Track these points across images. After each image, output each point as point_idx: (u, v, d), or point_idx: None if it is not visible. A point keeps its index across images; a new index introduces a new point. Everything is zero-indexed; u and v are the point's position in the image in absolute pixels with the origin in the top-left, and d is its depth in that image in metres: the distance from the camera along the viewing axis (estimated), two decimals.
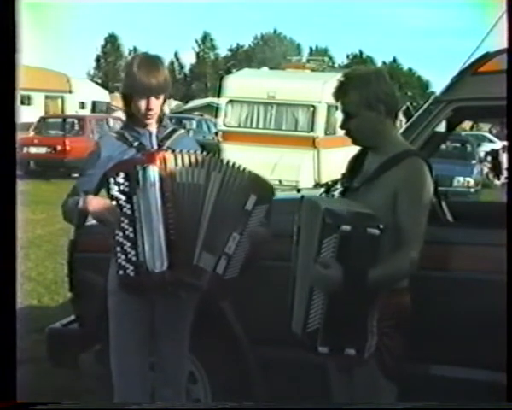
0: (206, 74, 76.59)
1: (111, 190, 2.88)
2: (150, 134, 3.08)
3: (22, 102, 23.10)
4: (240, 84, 15.36)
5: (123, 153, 3.02)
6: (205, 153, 2.97)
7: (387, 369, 2.68)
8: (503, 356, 2.59)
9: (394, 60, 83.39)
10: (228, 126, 15.23)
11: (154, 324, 3.09)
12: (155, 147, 3.05)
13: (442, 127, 3.44)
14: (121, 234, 2.88)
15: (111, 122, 20.50)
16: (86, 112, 29.35)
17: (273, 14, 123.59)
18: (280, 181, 12.59)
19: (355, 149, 2.93)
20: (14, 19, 2.37)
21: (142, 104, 2.98)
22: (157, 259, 2.87)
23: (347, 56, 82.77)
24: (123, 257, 2.89)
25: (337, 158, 11.08)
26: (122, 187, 2.88)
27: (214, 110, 22.11)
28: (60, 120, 22.31)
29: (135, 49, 66.16)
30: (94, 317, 3.58)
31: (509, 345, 2.57)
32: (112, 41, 79.36)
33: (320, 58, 23.68)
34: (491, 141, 27.42)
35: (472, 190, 15.26)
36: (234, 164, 2.94)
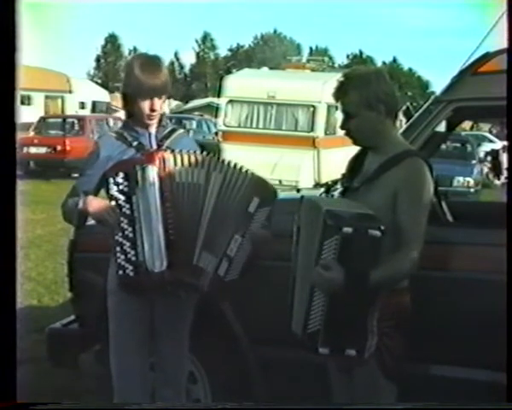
0: (206, 74, 76.60)
1: (110, 189, 2.88)
2: (149, 134, 3.08)
3: (22, 102, 23.10)
4: (240, 84, 15.36)
5: (122, 153, 3.02)
6: (205, 153, 2.97)
7: (387, 369, 2.68)
8: (503, 356, 2.59)
9: (394, 60, 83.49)
10: (228, 126, 15.23)
11: (153, 324, 3.09)
12: (155, 147, 3.06)
13: (442, 127, 3.44)
14: (120, 234, 2.88)
15: (111, 122, 20.50)
16: (86, 112, 29.35)
17: (273, 14, 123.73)
18: (280, 181, 12.58)
19: (355, 149, 2.93)
20: (14, 19, 2.37)
21: (146, 105, 2.98)
22: (156, 259, 2.87)
23: (347, 56, 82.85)
24: (122, 257, 2.89)
25: (337, 158, 11.08)
26: (121, 187, 2.88)
27: (214, 110, 22.12)
28: (60, 120, 22.31)
29: (135, 49, 66.21)
30: (94, 317, 3.58)
31: (509, 345, 2.57)
32: (112, 41, 79.38)
33: (320, 58, 23.70)
34: (491, 141, 27.41)
35: (472, 190, 15.26)
36: (235, 165, 2.93)
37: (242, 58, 73.58)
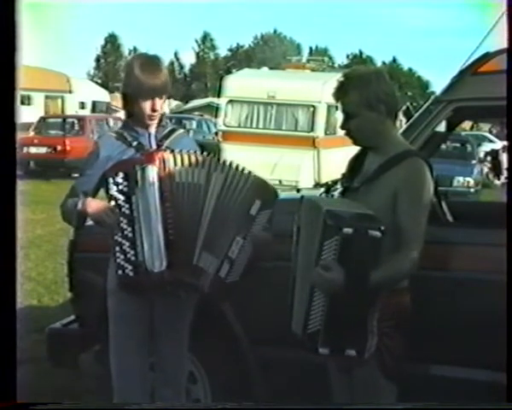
0: (206, 74, 76.59)
1: (110, 189, 2.88)
2: (149, 134, 3.08)
3: (22, 102, 23.10)
4: (240, 84, 15.36)
5: (122, 153, 3.02)
6: (205, 153, 2.97)
7: (387, 369, 2.68)
8: (503, 356, 2.59)
9: (394, 60, 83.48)
10: (228, 126, 15.22)
11: (153, 323, 3.09)
12: (154, 147, 3.06)
13: (442, 127, 3.44)
14: (120, 234, 2.88)
15: (111, 122, 20.50)
16: (86, 112, 29.35)
17: (273, 14, 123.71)
18: (280, 181, 12.58)
19: (355, 149, 2.93)
20: (14, 19, 2.37)
21: (147, 105, 2.98)
22: (156, 258, 2.87)
23: (347, 56, 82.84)
24: (122, 257, 2.89)
25: (337, 158, 11.07)
26: (121, 187, 2.88)
27: (214, 110, 22.10)
28: (60, 120, 22.31)
29: (135, 49, 66.18)
30: (94, 317, 3.58)
31: (509, 345, 2.57)
32: (112, 41, 79.36)
33: (320, 58, 23.70)
34: (491, 141, 27.41)
35: (472, 190, 15.26)
36: (237, 166, 2.93)
37: (242, 58, 73.57)
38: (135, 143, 3.04)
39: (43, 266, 8.11)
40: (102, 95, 33.95)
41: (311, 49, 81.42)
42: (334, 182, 3.08)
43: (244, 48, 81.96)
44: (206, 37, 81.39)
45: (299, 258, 2.78)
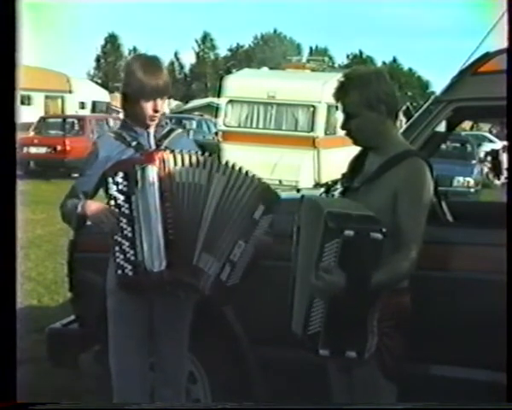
0: (206, 74, 76.58)
1: (109, 189, 2.88)
2: (148, 134, 3.08)
3: (22, 102, 23.09)
4: (240, 84, 15.36)
5: (121, 153, 3.02)
6: (206, 153, 2.96)
7: (388, 369, 2.67)
8: (503, 356, 2.59)
9: (394, 60, 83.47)
10: (228, 126, 15.22)
11: (153, 323, 3.09)
12: (153, 147, 3.05)
13: (442, 127, 3.44)
14: (120, 234, 2.88)
15: (111, 122, 20.50)
16: (86, 112, 29.35)
17: (273, 14, 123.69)
18: (280, 181, 12.59)
19: (355, 149, 2.92)
20: (14, 19, 2.37)
21: (149, 106, 2.98)
22: (155, 258, 2.87)
23: (347, 56, 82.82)
24: (121, 257, 2.89)
25: (337, 158, 11.08)
26: (121, 187, 2.88)
27: (214, 110, 22.09)
28: (60, 120, 22.32)
29: (135, 49, 66.26)
30: (94, 317, 3.58)
31: (509, 345, 2.57)
32: (112, 41, 79.34)
33: (320, 58, 23.70)
34: (491, 141, 27.41)
35: (472, 190, 15.26)
36: (240, 168, 2.92)
37: (242, 58, 73.55)
38: (134, 143, 3.04)
39: (43, 266, 8.11)
40: (102, 95, 33.95)
41: (311, 49, 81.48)
42: (334, 182, 3.08)
43: (244, 48, 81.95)
44: (206, 37, 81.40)
45: (299, 258, 2.78)
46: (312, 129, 14.65)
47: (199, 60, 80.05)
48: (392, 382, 2.73)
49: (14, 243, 2.39)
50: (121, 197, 2.89)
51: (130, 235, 2.88)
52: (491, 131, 31.74)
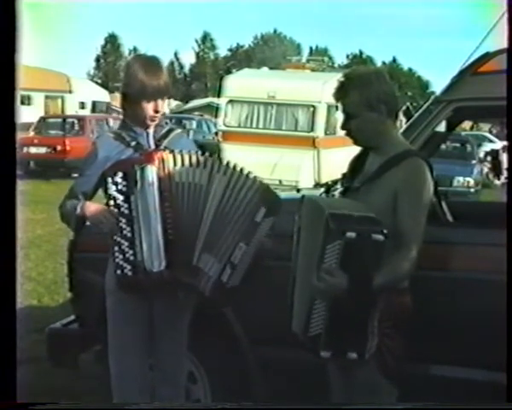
0: (206, 74, 76.56)
1: (109, 189, 2.88)
2: (147, 134, 3.07)
3: (22, 102, 23.09)
4: (240, 84, 15.36)
5: (120, 153, 3.02)
6: (207, 154, 2.96)
7: (388, 369, 2.68)
8: (502, 356, 2.59)
9: (394, 60, 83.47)
10: (228, 126, 15.22)
11: (152, 323, 3.09)
12: (153, 147, 3.05)
13: (442, 127, 3.44)
14: (119, 234, 2.88)
15: (111, 122, 20.50)
16: (86, 112, 29.35)
17: (273, 14, 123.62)
18: (280, 181, 12.59)
19: (355, 149, 2.92)
20: (14, 19, 2.37)
21: (150, 107, 2.98)
22: (155, 258, 2.87)
23: (347, 56, 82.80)
24: (120, 256, 2.89)
25: (337, 158, 11.09)
26: (120, 187, 2.88)
27: (214, 110, 22.08)
28: (60, 120, 22.32)
29: (135, 49, 66.20)
30: (94, 317, 3.57)
31: (509, 345, 2.57)
32: (112, 41, 79.30)
33: (320, 58, 23.70)
34: (491, 141, 27.40)
35: (472, 190, 15.26)
36: (241, 170, 2.91)
37: (242, 58, 73.52)
38: (133, 143, 3.04)
39: (43, 266, 8.11)
40: (102, 95, 33.95)
41: (311, 49, 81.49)
42: (335, 182, 3.08)
43: (244, 48, 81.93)
44: (206, 37, 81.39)
45: (300, 258, 2.78)
46: (312, 129, 14.64)
47: (199, 60, 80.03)
48: (393, 382, 2.73)
49: (14, 243, 2.39)
50: (120, 197, 2.89)
51: (129, 235, 2.88)
52: (491, 131, 31.73)
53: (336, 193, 2.96)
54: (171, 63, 76.16)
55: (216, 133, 16.90)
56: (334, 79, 3.40)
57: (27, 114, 21.09)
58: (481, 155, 20.72)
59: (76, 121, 21.29)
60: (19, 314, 2.47)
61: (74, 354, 3.94)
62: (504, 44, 2.88)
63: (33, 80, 25.58)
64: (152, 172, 2.88)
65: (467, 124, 28.21)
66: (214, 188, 2.90)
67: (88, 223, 3.02)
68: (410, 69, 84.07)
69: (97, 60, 79.53)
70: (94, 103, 31.70)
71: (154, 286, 2.92)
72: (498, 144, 24.73)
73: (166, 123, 3.20)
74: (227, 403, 3.37)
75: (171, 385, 3.16)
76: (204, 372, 3.62)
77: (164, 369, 3.15)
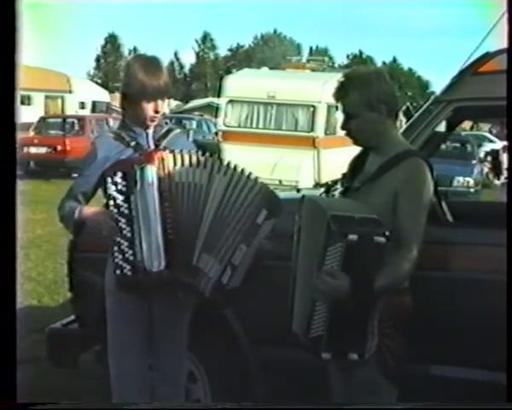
0: (206, 74, 76.55)
1: (108, 189, 2.88)
2: (147, 134, 3.07)
3: (22, 102, 23.07)
4: (240, 84, 15.35)
5: (120, 153, 3.02)
6: (207, 154, 2.96)
7: (388, 369, 2.67)
8: (503, 356, 2.59)
9: (394, 60, 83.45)
10: (228, 126, 15.22)
11: (152, 323, 3.09)
12: (152, 147, 3.05)
13: (442, 127, 3.44)
14: (118, 233, 2.88)
15: (111, 122, 20.49)
16: (86, 112, 29.35)
17: (273, 14, 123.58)
18: (280, 181, 12.60)
19: (355, 150, 2.92)
20: (14, 19, 2.37)
21: (150, 107, 2.97)
22: (155, 258, 2.87)
23: (347, 56, 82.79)
24: (120, 256, 2.89)
25: (337, 158, 11.08)
26: (119, 186, 2.88)
27: (214, 110, 22.08)
28: (60, 120, 22.32)
29: (135, 49, 66.23)
30: (94, 317, 3.57)
31: (509, 345, 2.57)
32: (112, 41, 79.29)
33: (320, 58, 23.69)
34: (491, 141, 27.40)
35: (472, 190, 15.27)
36: (242, 170, 2.91)
37: (242, 58, 73.54)
38: (133, 143, 3.04)
39: (43, 266, 8.11)
40: (102, 95, 33.95)
41: (311, 49, 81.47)
42: (335, 182, 3.08)
43: (244, 48, 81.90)
44: (206, 37, 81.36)
45: (300, 259, 2.78)
46: (312, 129, 14.64)
47: (199, 60, 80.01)
48: (393, 382, 2.73)
49: (14, 243, 2.39)
50: (120, 197, 2.88)
51: (128, 235, 2.88)
52: (491, 131, 31.72)
53: (336, 193, 2.96)
54: (171, 63, 76.15)
55: (216, 133, 16.89)
56: (334, 79, 3.40)
57: (27, 114, 21.08)
58: (481, 155, 20.72)
59: (76, 121, 21.29)
60: (19, 314, 2.47)
61: (74, 354, 3.94)
62: (504, 44, 2.88)
63: (33, 80, 25.58)
64: (152, 172, 2.88)
65: (467, 124, 28.21)
66: (214, 188, 2.89)
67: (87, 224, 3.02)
68: (410, 69, 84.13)
69: (97, 60, 79.51)
70: (94, 103, 31.70)
71: (154, 286, 2.92)
72: (498, 144, 24.73)
73: (166, 123, 3.19)
74: (227, 403, 3.37)
75: (170, 385, 3.16)
76: (204, 372, 3.62)
77: (163, 369, 3.15)
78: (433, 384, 3.26)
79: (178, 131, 3.28)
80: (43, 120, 21.78)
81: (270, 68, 20.25)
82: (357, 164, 2.88)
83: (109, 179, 2.88)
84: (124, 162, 2.95)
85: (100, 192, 3.00)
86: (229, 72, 29.36)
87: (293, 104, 14.70)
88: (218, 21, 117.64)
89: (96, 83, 46.19)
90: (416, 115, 3.48)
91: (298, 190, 4.75)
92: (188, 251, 2.88)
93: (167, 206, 2.88)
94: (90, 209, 2.96)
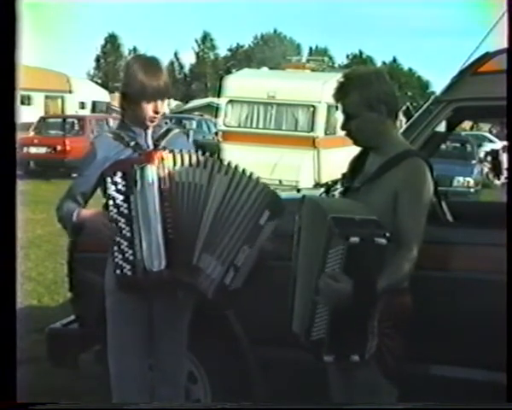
0: (206, 74, 76.53)
1: (108, 189, 2.88)
2: (146, 134, 3.07)
3: (22, 102, 23.08)
4: (240, 84, 15.36)
5: (119, 153, 3.02)
6: (207, 154, 2.96)
7: (388, 369, 2.67)
8: (503, 356, 2.59)
9: (394, 60, 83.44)
10: (228, 126, 15.22)
11: (152, 323, 3.09)
12: (151, 147, 3.05)
13: (442, 127, 3.44)
14: (118, 233, 2.88)
15: (111, 122, 20.49)
16: (86, 112, 29.35)
17: (273, 14, 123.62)
18: (280, 181, 12.59)
19: (355, 150, 2.92)
20: (14, 19, 2.37)
21: (150, 108, 2.97)
22: (155, 258, 2.86)
23: (347, 56, 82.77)
24: (120, 256, 2.89)
25: (337, 158, 11.08)
26: (119, 186, 2.88)
27: (214, 110, 22.09)
28: (60, 120, 22.32)
29: (135, 49, 66.24)
30: (94, 317, 3.57)
31: (509, 345, 2.57)
32: (112, 41, 79.26)
33: (320, 58, 23.71)
34: (491, 141, 27.41)
35: (472, 190, 15.27)
36: (243, 171, 2.90)
37: (242, 58, 73.51)
38: (132, 143, 3.04)
39: (43, 266, 8.11)
40: (102, 95, 33.94)
41: (311, 49, 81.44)
42: (335, 182, 3.08)
43: (244, 48, 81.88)
44: (206, 37, 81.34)
45: (300, 259, 2.78)
46: (312, 129, 14.64)
47: (199, 60, 79.98)
48: (393, 382, 2.73)
49: (14, 243, 2.39)
50: (120, 197, 2.88)
51: (128, 235, 2.88)
52: (491, 131, 31.73)
53: (336, 193, 2.96)
54: (171, 63, 76.13)
55: (216, 133, 16.90)
56: (334, 79, 3.39)
57: (27, 114, 21.08)
58: (481, 155, 20.71)
59: (76, 121, 21.29)
60: (19, 314, 2.47)
61: (74, 354, 3.94)
62: (504, 44, 2.88)
63: (33, 80, 25.57)
64: (152, 171, 2.88)
65: (467, 124, 28.21)
66: (215, 188, 2.89)
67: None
68: (410, 69, 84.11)
69: (97, 60, 79.50)
70: (94, 103, 31.69)
71: (154, 286, 2.91)
72: (498, 144, 24.73)
73: (166, 123, 3.19)
74: (227, 403, 3.37)
75: (170, 385, 3.16)
76: (204, 372, 3.62)
77: (163, 369, 3.15)
78: (433, 384, 3.26)
79: (177, 131, 3.28)
80: (43, 120, 21.78)
81: (270, 68, 20.27)
82: (357, 164, 2.88)
83: (109, 179, 2.88)
84: (123, 162, 2.95)
85: (98, 192, 3.00)
86: (229, 72, 29.35)
87: (293, 104, 14.71)
88: (218, 21, 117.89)
89: (96, 83, 46.20)
90: (416, 115, 3.48)
91: (298, 190, 4.75)
92: (188, 251, 2.88)
93: (167, 205, 2.87)
94: (88, 211, 2.96)
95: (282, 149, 14.08)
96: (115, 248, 2.89)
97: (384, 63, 76.88)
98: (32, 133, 19.87)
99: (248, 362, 3.57)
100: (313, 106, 14.58)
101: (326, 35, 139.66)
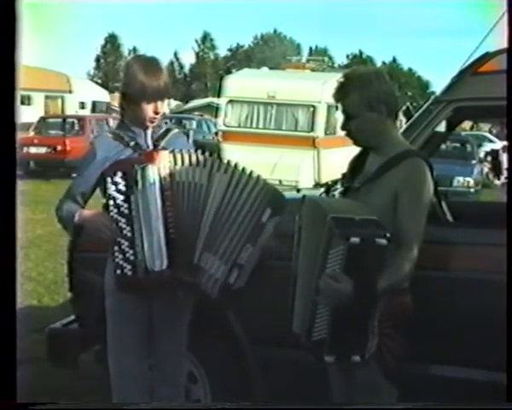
0: (206, 74, 76.54)
1: (108, 189, 2.88)
2: (146, 134, 3.07)
3: (22, 102, 23.09)
4: (240, 84, 15.36)
5: (119, 153, 3.02)
6: (207, 153, 2.96)
7: (388, 369, 2.67)
8: (503, 356, 2.59)
9: (394, 60, 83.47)
10: (228, 126, 15.22)
11: (152, 323, 3.09)
12: (151, 147, 3.05)
13: (442, 127, 3.44)
14: (119, 233, 2.88)
15: (111, 122, 20.49)
16: (86, 112, 29.36)
17: (273, 14, 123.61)
18: (280, 181, 12.57)
19: (355, 150, 2.92)
20: (14, 19, 2.37)
21: (150, 108, 2.97)
22: (156, 258, 2.86)
23: (347, 56, 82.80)
24: (120, 256, 2.89)
25: (337, 158, 11.09)
26: (120, 186, 2.88)
27: (214, 110, 22.09)
28: (60, 120, 22.33)
29: (135, 49, 66.32)
30: (94, 317, 3.57)
31: (509, 345, 2.57)
32: (112, 41, 79.28)
33: (320, 58, 23.72)
34: (491, 141, 27.40)
35: (472, 190, 15.27)
36: (243, 169, 2.91)
37: (242, 58, 73.51)
38: (132, 143, 3.04)
39: (43, 266, 8.11)
40: (102, 95, 33.96)
41: (311, 49, 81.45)
42: (335, 182, 3.08)
43: (244, 48, 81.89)
44: (206, 37, 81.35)
45: (300, 259, 2.78)
46: (312, 129, 14.65)
47: (199, 60, 79.99)
48: (393, 382, 2.73)
49: (14, 243, 2.39)
50: (120, 197, 2.88)
51: (129, 235, 2.88)
52: (491, 131, 31.73)
53: (336, 193, 2.96)
54: (171, 63, 76.14)
55: (216, 133, 16.90)
56: (334, 79, 3.39)
57: (27, 114, 21.09)
58: (481, 155, 20.71)
59: (76, 121, 21.29)
60: (19, 314, 2.47)
61: (74, 354, 3.94)
62: (504, 44, 2.88)
63: (33, 80, 25.58)
64: (153, 171, 2.88)
65: (467, 124, 28.22)
66: (215, 187, 2.89)
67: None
68: (410, 69, 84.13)
69: (97, 60, 79.50)
70: (94, 103, 31.70)
71: (155, 286, 2.91)
72: (498, 144, 24.73)
73: (166, 123, 3.19)
74: (227, 403, 3.37)
75: (170, 385, 3.16)
76: (204, 372, 3.62)
77: (163, 369, 3.15)
78: (433, 384, 3.26)
79: (177, 131, 3.28)
80: (43, 120, 21.78)
81: (270, 68, 20.27)
82: (357, 164, 2.88)
83: (109, 179, 2.88)
84: (124, 162, 2.95)
85: (97, 192, 3.00)
86: (229, 72, 29.33)
87: (293, 104, 14.71)
88: (218, 21, 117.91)
89: (96, 83, 46.21)
90: (416, 115, 3.48)
91: (298, 190, 4.74)
92: (189, 250, 2.88)
93: (168, 205, 2.87)
94: (89, 212, 2.96)
95: (281, 149, 14.09)
96: (116, 248, 2.89)
97: (384, 63, 76.95)
98: (31, 133, 19.88)
99: (248, 362, 3.56)
100: (313, 106, 14.58)
101: (326, 35, 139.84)
